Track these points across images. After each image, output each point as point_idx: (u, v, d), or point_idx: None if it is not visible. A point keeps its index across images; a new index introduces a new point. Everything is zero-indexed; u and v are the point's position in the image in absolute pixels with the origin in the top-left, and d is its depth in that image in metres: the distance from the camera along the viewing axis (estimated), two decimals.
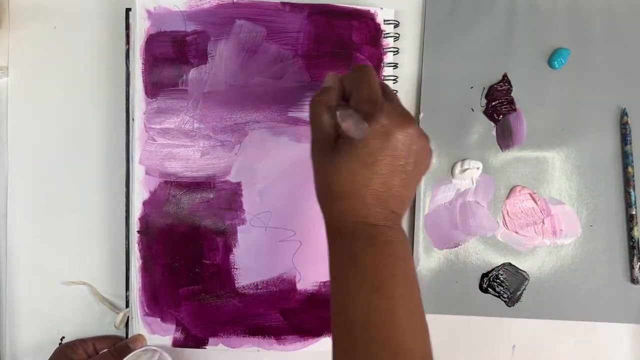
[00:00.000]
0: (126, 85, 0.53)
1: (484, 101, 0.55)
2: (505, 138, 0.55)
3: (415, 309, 0.37)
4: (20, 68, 0.53)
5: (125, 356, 0.47)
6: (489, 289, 0.54)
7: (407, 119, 0.37)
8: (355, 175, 0.36)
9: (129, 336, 0.52)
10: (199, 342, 0.51)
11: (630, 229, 0.55)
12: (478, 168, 0.55)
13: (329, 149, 0.37)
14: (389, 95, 0.39)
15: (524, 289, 0.55)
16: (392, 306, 0.36)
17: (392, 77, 0.54)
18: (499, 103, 0.55)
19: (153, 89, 0.51)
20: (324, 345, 0.52)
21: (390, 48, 0.54)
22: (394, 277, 0.36)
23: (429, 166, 0.40)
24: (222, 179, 0.52)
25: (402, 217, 0.39)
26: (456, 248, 0.55)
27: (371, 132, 0.35)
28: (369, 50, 0.53)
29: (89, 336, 0.53)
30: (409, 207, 0.39)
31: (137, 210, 0.51)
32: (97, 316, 0.53)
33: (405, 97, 0.55)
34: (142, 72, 0.51)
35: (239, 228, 0.52)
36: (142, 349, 0.49)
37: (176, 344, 0.51)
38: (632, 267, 0.55)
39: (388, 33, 0.54)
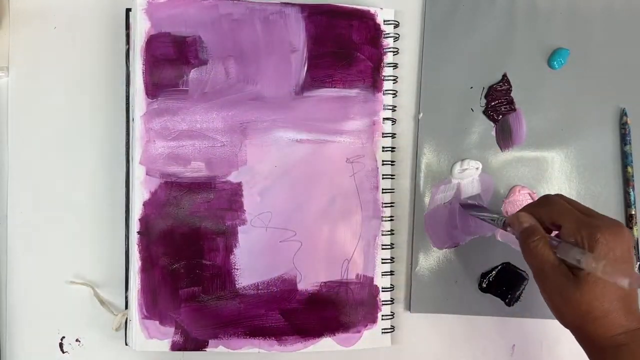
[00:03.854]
0: (126, 86, 0.52)
1: (484, 101, 0.55)
2: (505, 138, 0.55)
3: None
4: (20, 68, 0.53)
5: None
6: (489, 288, 0.55)
7: (616, 226, 0.40)
8: (607, 296, 0.39)
9: (127, 339, 0.51)
10: (199, 345, 0.51)
11: (630, 229, 0.55)
12: (477, 168, 0.55)
13: (571, 284, 0.39)
14: (585, 211, 0.42)
15: (524, 289, 0.55)
16: None
17: (392, 77, 0.54)
18: (498, 103, 0.55)
19: (153, 90, 0.51)
20: (325, 345, 0.52)
21: (390, 48, 0.54)
22: None
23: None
24: (223, 180, 0.52)
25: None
26: (456, 248, 0.55)
27: (602, 254, 0.38)
28: (369, 50, 0.53)
29: (88, 337, 0.52)
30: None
31: (137, 211, 0.51)
32: (97, 316, 0.53)
33: (406, 97, 0.56)
34: (143, 72, 0.51)
35: (239, 228, 0.52)
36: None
37: (175, 347, 0.51)
38: None
39: (388, 33, 0.54)
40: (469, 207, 0.54)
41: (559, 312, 0.41)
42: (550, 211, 0.42)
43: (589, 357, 0.42)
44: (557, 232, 0.43)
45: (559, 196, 0.44)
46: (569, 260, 0.39)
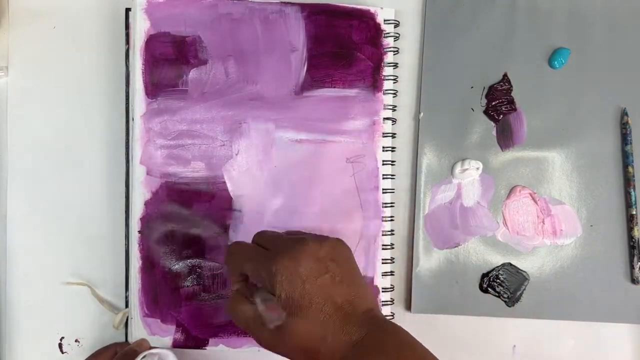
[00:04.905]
0: (126, 86, 0.52)
1: (484, 101, 0.55)
2: (506, 138, 0.55)
3: None
4: (20, 68, 0.53)
5: None
6: (489, 289, 0.54)
7: (292, 249, 0.37)
8: (313, 324, 0.36)
9: (129, 337, 0.51)
10: (199, 343, 0.51)
11: (630, 229, 0.55)
12: (478, 168, 0.55)
13: (266, 333, 0.37)
14: (269, 242, 0.40)
15: (524, 289, 0.55)
16: None
17: (392, 77, 0.54)
18: (499, 103, 0.55)
19: (153, 89, 0.51)
20: None
21: (390, 48, 0.54)
22: None
23: (348, 250, 0.41)
24: (223, 179, 0.52)
25: (377, 308, 0.39)
26: (456, 248, 0.55)
27: (284, 288, 0.36)
28: (369, 50, 0.53)
29: (87, 337, 0.53)
30: (370, 294, 0.40)
31: (138, 211, 0.51)
32: (97, 316, 0.53)
33: (406, 97, 0.56)
34: (142, 72, 0.51)
35: (239, 228, 0.52)
36: (141, 355, 0.48)
37: (176, 344, 0.51)
38: (632, 267, 0.55)
39: (388, 33, 0.54)
40: None
41: (281, 355, 0.38)
42: (234, 264, 0.41)
43: None
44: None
45: (233, 246, 0.42)
46: (263, 311, 0.36)
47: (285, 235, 0.43)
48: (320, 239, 0.39)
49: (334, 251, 0.39)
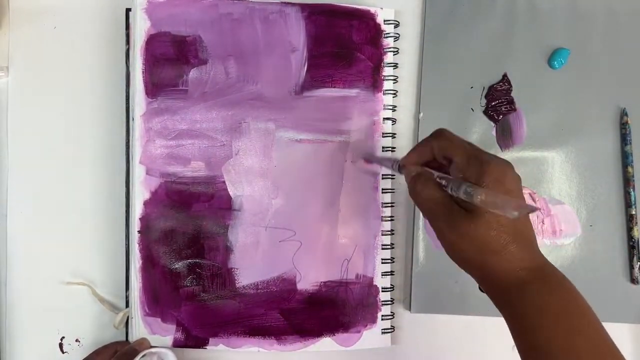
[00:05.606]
0: (126, 85, 0.52)
1: (484, 101, 0.55)
2: (505, 138, 0.55)
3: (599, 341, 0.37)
4: (20, 68, 0.53)
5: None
6: None
7: (503, 161, 0.38)
8: (503, 226, 0.37)
9: (129, 336, 0.52)
10: (200, 343, 0.51)
11: (630, 229, 0.55)
12: None
13: (465, 219, 0.37)
14: (475, 147, 0.40)
15: None
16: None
17: (392, 77, 0.54)
18: (499, 103, 0.55)
19: (153, 89, 0.51)
20: (324, 345, 0.52)
21: (390, 48, 0.54)
22: (568, 314, 0.37)
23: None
24: (223, 179, 0.52)
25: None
26: None
27: (494, 186, 0.36)
28: (369, 50, 0.53)
29: (88, 337, 0.53)
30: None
31: (137, 210, 0.51)
32: (97, 316, 0.53)
33: (406, 97, 0.56)
34: (142, 72, 0.51)
35: (239, 228, 0.52)
36: (139, 357, 0.48)
37: (176, 344, 0.51)
38: (632, 267, 0.55)
39: (388, 33, 0.54)
40: (371, 157, 0.54)
41: (456, 250, 0.39)
42: (442, 145, 0.40)
43: (494, 303, 0.40)
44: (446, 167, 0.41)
45: (449, 132, 0.42)
46: (459, 195, 0.36)
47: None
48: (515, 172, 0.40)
49: (521, 187, 0.40)
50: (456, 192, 0.37)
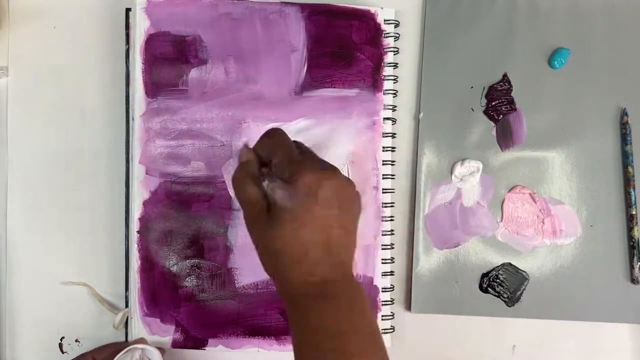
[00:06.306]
0: (126, 85, 0.52)
1: (484, 101, 0.55)
2: (505, 138, 0.55)
3: None
4: (20, 68, 0.53)
5: None
6: (489, 289, 0.54)
7: (328, 170, 0.37)
8: (299, 237, 0.36)
9: (128, 336, 0.51)
10: (199, 343, 0.51)
11: (630, 229, 0.55)
12: (478, 168, 0.55)
13: (266, 219, 0.37)
14: (306, 152, 0.39)
15: (524, 289, 0.55)
16: None
17: (392, 77, 0.54)
18: (499, 103, 0.55)
19: (153, 89, 0.51)
20: None
21: (390, 48, 0.54)
22: (344, 335, 0.36)
23: (361, 209, 0.40)
24: (223, 179, 0.52)
25: (351, 267, 0.39)
26: (456, 248, 0.55)
27: (300, 192, 0.36)
28: (369, 50, 0.53)
29: (87, 337, 0.53)
30: (354, 254, 0.40)
31: (137, 210, 0.51)
32: (97, 316, 0.53)
33: (405, 97, 0.56)
34: (142, 72, 0.51)
35: (239, 228, 0.52)
36: (123, 351, 0.47)
37: (176, 344, 0.51)
38: (632, 267, 0.55)
39: (388, 33, 0.54)
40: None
41: (257, 250, 0.38)
42: (268, 144, 0.39)
43: (288, 312, 0.38)
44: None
45: (282, 131, 0.40)
46: (270, 195, 0.36)
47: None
48: (349, 182, 0.39)
49: (351, 200, 0.39)
50: (269, 191, 0.36)
